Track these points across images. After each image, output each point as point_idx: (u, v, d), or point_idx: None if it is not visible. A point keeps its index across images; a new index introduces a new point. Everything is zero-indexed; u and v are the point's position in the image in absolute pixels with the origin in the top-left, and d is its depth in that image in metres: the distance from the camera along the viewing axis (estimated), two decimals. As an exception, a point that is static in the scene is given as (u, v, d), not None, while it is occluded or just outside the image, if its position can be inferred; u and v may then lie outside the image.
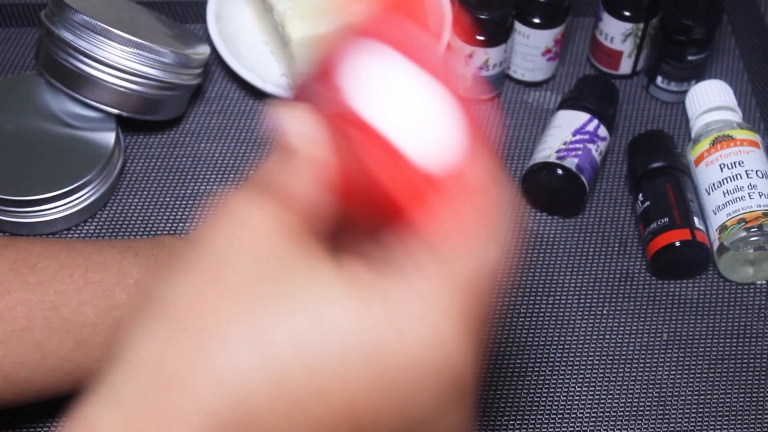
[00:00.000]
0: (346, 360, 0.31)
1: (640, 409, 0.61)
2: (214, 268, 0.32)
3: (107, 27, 0.65)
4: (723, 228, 0.65)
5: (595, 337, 0.64)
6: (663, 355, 0.63)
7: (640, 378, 0.62)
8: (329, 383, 0.31)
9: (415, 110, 0.32)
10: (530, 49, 0.73)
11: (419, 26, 0.32)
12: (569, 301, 0.65)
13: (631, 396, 0.61)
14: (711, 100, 0.70)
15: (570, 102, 0.70)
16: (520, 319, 0.64)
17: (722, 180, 0.66)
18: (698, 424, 0.60)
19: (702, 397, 0.61)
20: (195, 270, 0.33)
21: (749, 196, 0.65)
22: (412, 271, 0.33)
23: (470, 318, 0.33)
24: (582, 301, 0.65)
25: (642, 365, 0.63)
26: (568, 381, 0.62)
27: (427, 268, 0.33)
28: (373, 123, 0.31)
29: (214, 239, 0.33)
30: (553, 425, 0.60)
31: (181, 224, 0.68)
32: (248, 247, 0.33)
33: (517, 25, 0.72)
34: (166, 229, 0.68)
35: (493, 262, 0.34)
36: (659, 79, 0.75)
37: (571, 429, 0.60)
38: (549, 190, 0.68)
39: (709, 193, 0.66)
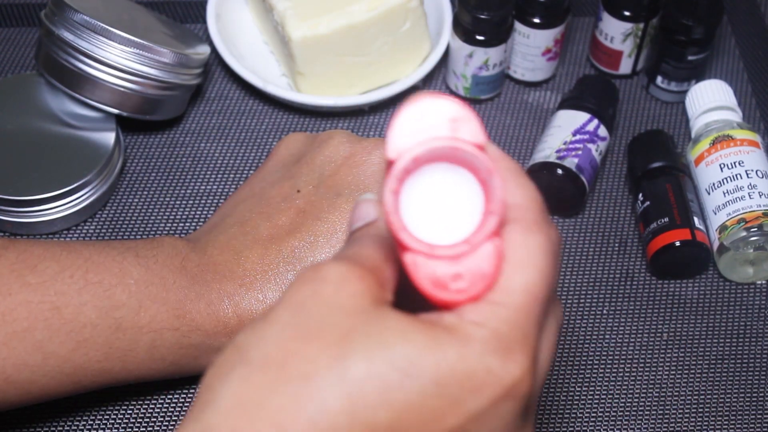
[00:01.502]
0: (426, 398, 0.34)
1: (640, 409, 0.61)
2: (303, 320, 0.35)
3: (107, 27, 0.65)
4: (723, 228, 0.65)
5: (595, 337, 0.64)
6: (663, 355, 0.63)
7: (640, 378, 0.62)
8: (411, 420, 0.34)
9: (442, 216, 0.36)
10: (530, 49, 0.73)
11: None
12: (569, 301, 0.65)
13: (631, 396, 0.61)
14: (711, 100, 0.70)
15: (570, 102, 0.70)
16: (520, 319, 0.64)
17: (722, 180, 0.66)
18: (698, 424, 0.60)
19: (702, 397, 0.61)
20: (283, 322, 0.35)
21: (749, 196, 0.65)
22: (468, 313, 0.35)
23: (531, 344, 0.36)
24: (582, 301, 0.65)
25: (642, 365, 0.63)
26: (568, 381, 0.62)
27: (481, 311, 0.36)
28: (402, 235, 0.35)
29: (303, 296, 0.36)
30: (553, 425, 0.60)
31: (181, 224, 0.68)
32: (335, 303, 0.35)
33: (517, 25, 0.72)
34: (166, 229, 0.68)
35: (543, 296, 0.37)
36: (659, 79, 0.75)
37: (571, 429, 0.60)
38: (549, 190, 0.68)
39: (709, 193, 0.66)
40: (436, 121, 0.35)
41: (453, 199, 0.36)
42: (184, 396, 0.60)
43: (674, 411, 0.61)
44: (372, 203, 0.40)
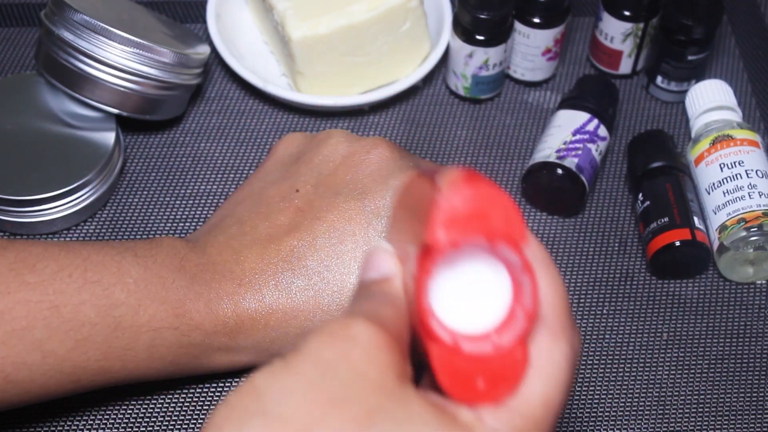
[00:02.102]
0: None
1: (640, 409, 0.61)
2: (330, 384, 0.34)
3: (107, 27, 0.65)
4: (723, 228, 0.65)
5: (595, 337, 0.64)
6: (663, 355, 0.63)
7: (640, 378, 0.62)
8: None
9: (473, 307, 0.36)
10: (530, 49, 0.73)
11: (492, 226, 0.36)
12: (569, 301, 0.65)
13: (631, 396, 0.61)
14: (711, 100, 0.70)
15: (570, 102, 0.70)
16: (520, 319, 0.64)
17: (722, 180, 0.66)
18: (698, 424, 0.60)
19: (702, 397, 0.61)
20: (308, 380, 0.34)
21: (749, 195, 0.65)
22: (487, 416, 0.35)
23: None
24: (582, 301, 0.65)
25: (642, 365, 0.63)
26: (568, 381, 0.62)
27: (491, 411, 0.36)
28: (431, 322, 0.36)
29: (330, 355, 0.35)
30: (553, 425, 0.60)
31: (181, 224, 0.68)
32: (364, 373, 0.35)
33: (517, 25, 0.72)
34: (166, 229, 0.68)
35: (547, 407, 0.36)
36: (659, 79, 0.75)
37: (571, 429, 0.60)
38: (549, 190, 0.68)
39: (709, 193, 0.66)
40: (476, 209, 0.35)
41: (480, 282, 0.36)
42: (184, 396, 0.60)
43: (674, 411, 0.61)
44: (389, 256, 0.39)
